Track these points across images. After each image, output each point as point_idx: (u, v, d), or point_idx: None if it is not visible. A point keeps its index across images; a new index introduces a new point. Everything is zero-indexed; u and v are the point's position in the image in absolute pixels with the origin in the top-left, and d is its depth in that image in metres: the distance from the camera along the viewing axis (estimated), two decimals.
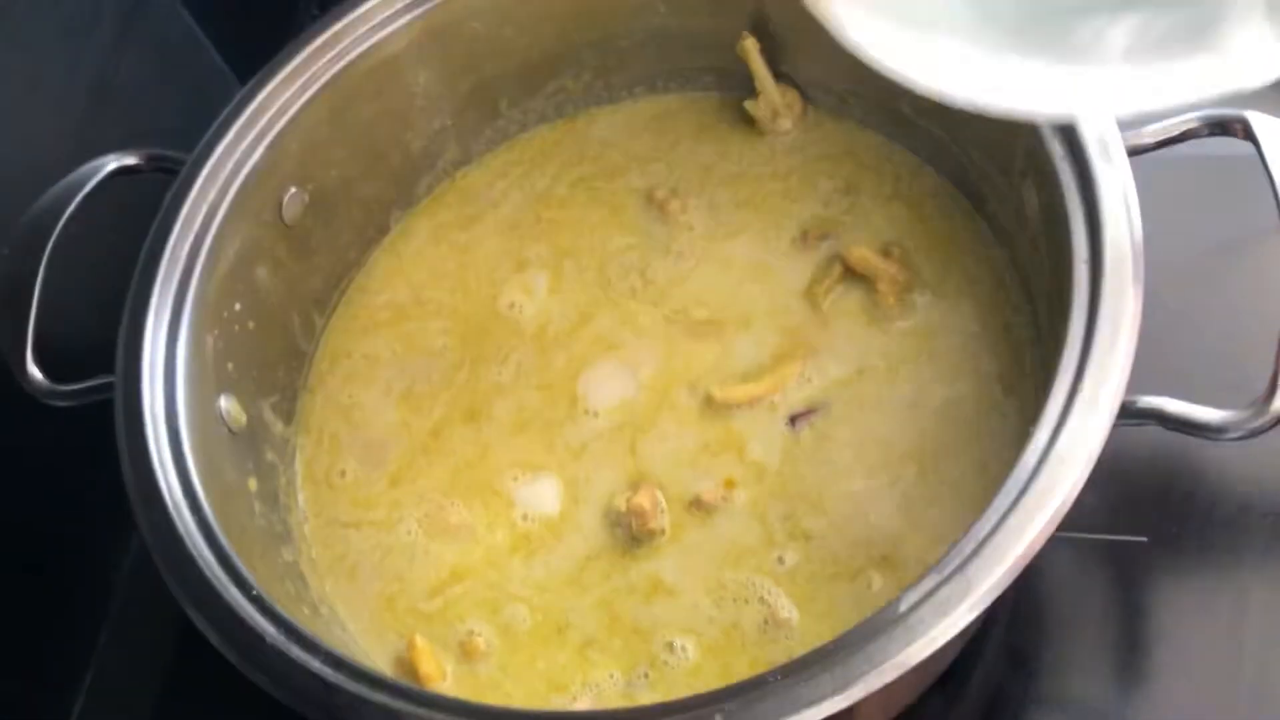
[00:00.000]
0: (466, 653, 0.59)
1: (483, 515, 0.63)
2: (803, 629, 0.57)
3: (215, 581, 0.52)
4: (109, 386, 0.58)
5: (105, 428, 0.57)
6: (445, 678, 0.59)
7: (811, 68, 0.71)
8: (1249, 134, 0.53)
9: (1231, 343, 0.64)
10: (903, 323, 0.64)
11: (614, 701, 0.57)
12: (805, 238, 0.68)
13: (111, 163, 0.63)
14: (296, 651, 0.49)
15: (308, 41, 0.66)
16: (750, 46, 0.70)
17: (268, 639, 0.50)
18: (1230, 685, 0.58)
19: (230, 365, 0.63)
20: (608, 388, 0.66)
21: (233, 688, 0.50)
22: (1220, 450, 0.50)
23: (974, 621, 0.45)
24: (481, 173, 0.76)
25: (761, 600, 0.58)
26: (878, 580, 0.57)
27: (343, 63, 0.66)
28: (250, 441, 0.64)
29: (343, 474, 0.66)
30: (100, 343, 0.59)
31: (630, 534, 0.61)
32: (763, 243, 0.68)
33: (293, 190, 0.67)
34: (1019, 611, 0.61)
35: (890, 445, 0.60)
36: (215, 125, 0.64)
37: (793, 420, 0.62)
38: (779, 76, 0.71)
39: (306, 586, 0.61)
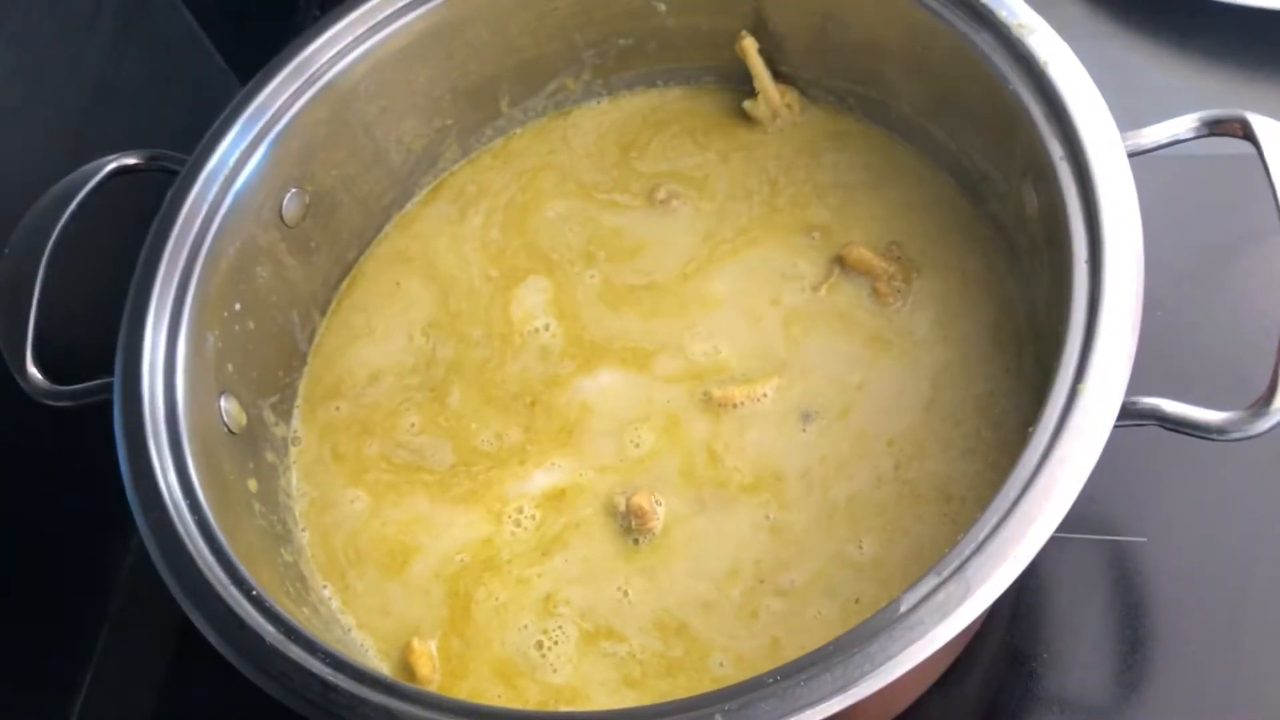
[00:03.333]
0: (465, 652, 0.59)
1: (484, 515, 0.63)
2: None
3: (215, 581, 0.52)
4: (109, 387, 0.58)
5: (105, 428, 0.57)
6: (440, 679, 0.59)
7: (811, 67, 0.71)
8: (1248, 134, 0.53)
9: (1231, 343, 0.64)
10: (902, 322, 0.64)
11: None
12: (805, 237, 0.68)
13: (112, 163, 0.63)
14: (296, 651, 0.49)
15: (308, 41, 0.66)
16: (749, 46, 0.70)
17: (267, 639, 0.50)
18: (1229, 685, 0.58)
19: (230, 365, 0.63)
20: (609, 385, 0.66)
21: (233, 688, 0.50)
22: (1220, 450, 0.50)
23: (974, 621, 0.45)
24: (480, 169, 0.76)
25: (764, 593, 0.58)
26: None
27: (343, 63, 0.66)
28: (250, 442, 0.64)
29: (342, 475, 0.66)
30: (100, 343, 0.59)
31: (629, 532, 0.61)
32: (762, 242, 0.68)
33: (293, 190, 0.67)
34: (1019, 611, 0.61)
35: (891, 444, 0.60)
36: (215, 125, 0.64)
37: (805, 418, 0.62)
38: (778, 76, 0.71)
39: (306, 587, 0.61)
